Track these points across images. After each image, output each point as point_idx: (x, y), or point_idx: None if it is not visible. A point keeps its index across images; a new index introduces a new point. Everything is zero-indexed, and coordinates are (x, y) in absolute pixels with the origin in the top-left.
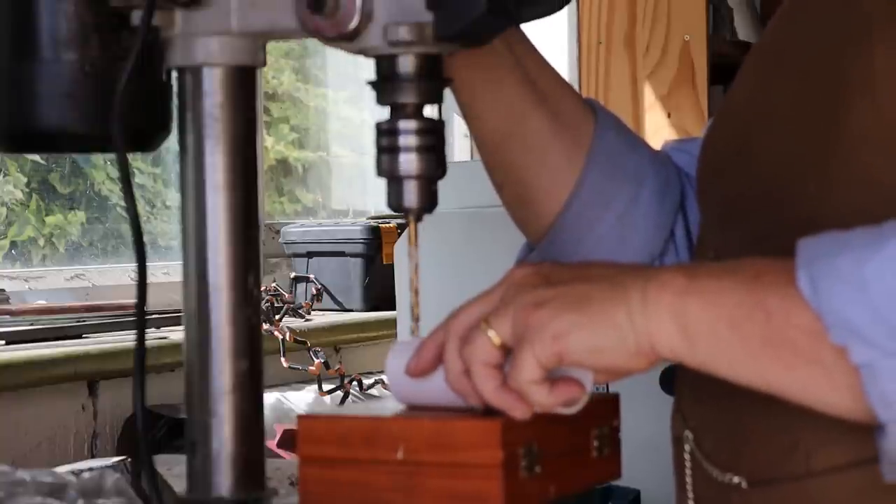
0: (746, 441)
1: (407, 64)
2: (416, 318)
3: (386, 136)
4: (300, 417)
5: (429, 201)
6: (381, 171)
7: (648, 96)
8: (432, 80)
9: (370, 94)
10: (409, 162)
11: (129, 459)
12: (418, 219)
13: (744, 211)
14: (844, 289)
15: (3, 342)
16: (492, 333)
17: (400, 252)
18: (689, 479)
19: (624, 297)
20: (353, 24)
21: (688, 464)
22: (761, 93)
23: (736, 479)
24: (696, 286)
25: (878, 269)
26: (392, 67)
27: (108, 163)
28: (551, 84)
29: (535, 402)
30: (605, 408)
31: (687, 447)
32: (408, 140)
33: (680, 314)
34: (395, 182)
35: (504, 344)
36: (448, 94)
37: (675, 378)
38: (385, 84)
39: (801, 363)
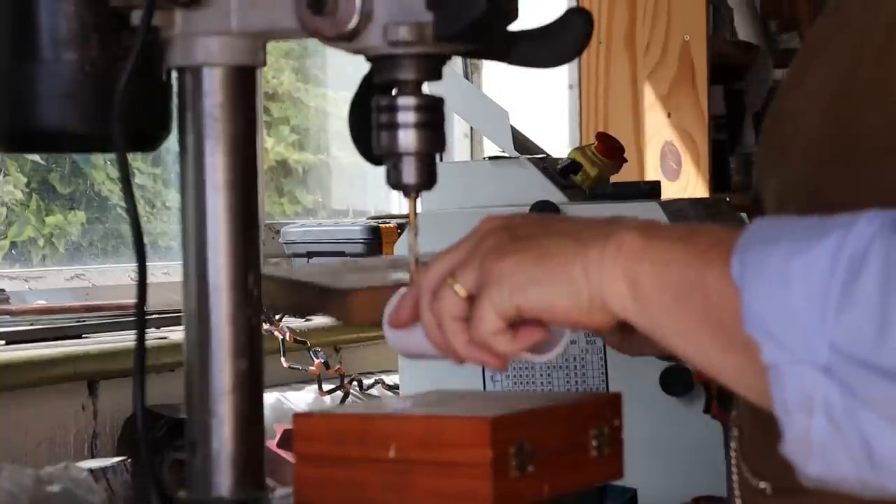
0: (775, 447)
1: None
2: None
3: (385, 113)
4: (296, 416)
5: (427, 178)
6: (379, 148)
7: (648, 96)
8: (431, 56)
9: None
10: (407, 138)
11: (129, 459)
12: (417, 195)
13: (781, 213)
14: (766, 283)
15: (3, 342)
16: (458, 287)
17: (400, 252)
18: (735, 477)
19: (583, 253)
20: (353, 24)
21: (734, 461)
22: (798, 91)
23: (762, 485)
24: (650, 251)
25: (803, 269)
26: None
27: (108, 163)
28: None
29: (500, 351)
30: (604, 407)
31: (733, 444)
32: (406, 117)
33: (632, 277)
34: (393, 158)
35: (471, 295)
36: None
37: None
38: (384, 60)
39: (733, 347)
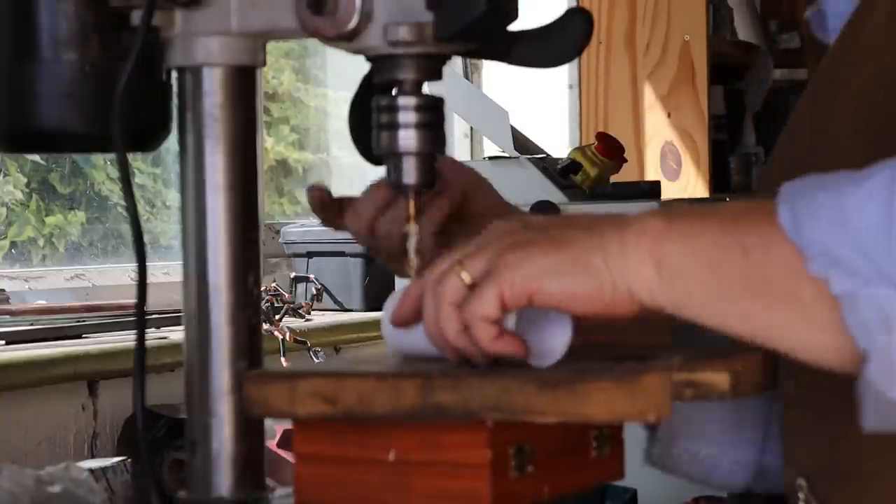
0: (868, 486)
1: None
2: None
3: (385, 113)
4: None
5: (427, 178)
6: (379, 148)
7: (648, 96)
8: (431, 56)
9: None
10: (407, 138)
11: (129, 459)
12: (417, 194)
13: None
14: (826, 221)
15: (3, 342)
16: (464, 274)
17: None
18: None
19: (600, 243)
20: (353, 24)
21: None
22: (829, 107)
23: None
24: (675, 229)
25: (859, 203)
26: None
27: (108, 163)
28: None
29: (477, 338)
30: None
31: (801, 496)
32: (406, 117)
33: (657, 258)
34: (393, 158)
35: (475, 283)
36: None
37: (784, 428)
38: (384, 60)
39: (778, 302)
